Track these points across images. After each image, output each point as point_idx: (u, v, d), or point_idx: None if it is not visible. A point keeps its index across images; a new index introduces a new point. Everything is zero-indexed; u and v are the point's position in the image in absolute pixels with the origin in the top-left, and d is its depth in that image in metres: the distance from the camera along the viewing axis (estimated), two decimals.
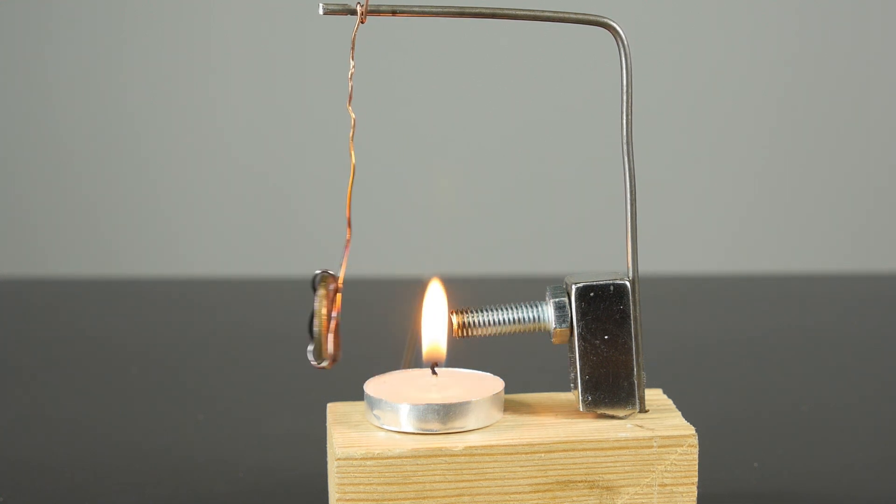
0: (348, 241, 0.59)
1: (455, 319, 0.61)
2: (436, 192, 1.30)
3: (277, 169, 1.30)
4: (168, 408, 0.81)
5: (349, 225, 0.59)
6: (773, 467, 0.70)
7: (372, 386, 0.61)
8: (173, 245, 1.31)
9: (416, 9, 0.59)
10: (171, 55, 1.29)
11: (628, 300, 0.60)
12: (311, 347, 0.58)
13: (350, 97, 0.58)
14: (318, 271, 0.58)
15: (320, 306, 0.58)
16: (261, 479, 0.69)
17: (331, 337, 0.58)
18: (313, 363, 0.58)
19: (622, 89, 0.60)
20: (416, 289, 0.65)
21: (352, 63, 0.58)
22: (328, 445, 0.61)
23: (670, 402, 0.63)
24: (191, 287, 1.15)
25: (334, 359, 0.58)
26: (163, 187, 1.31)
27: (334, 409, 0.62)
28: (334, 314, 0.58)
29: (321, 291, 0.58)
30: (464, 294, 1.00)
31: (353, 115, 0.58)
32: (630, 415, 0.61)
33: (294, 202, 1.31)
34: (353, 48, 0.58)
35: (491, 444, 0.58)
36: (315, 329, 0.58)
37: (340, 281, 0.58)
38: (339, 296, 0.58)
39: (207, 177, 1.30)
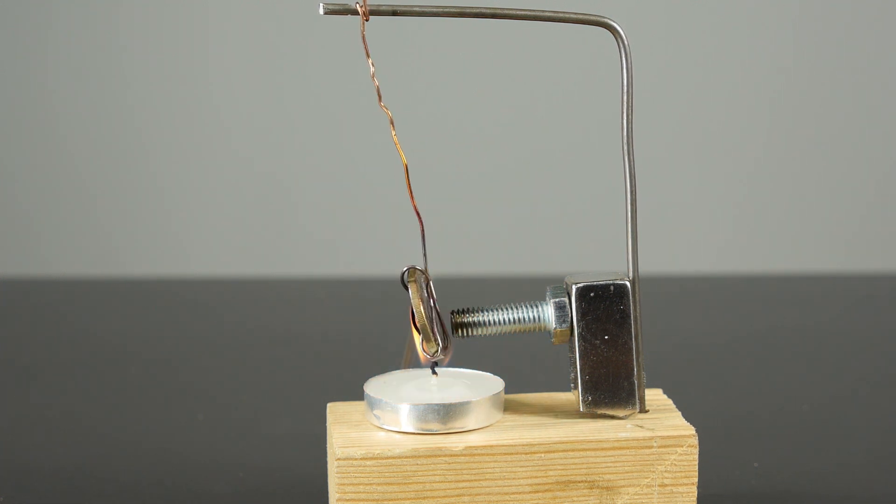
0: (422, 231, 0.59)
1: (454, 318, 0.61)
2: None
3: (278, 169, 1.30)
4: (168, 408, 0.81)
5: (419, 217, 0.59)
6: (773, 467, 0.70)
7: (372, 386, 0.61)
8: (173, 245, 1.31)
9: (417, 9, 0.59)
10: (171, 55, 1.29)
11: (628, 300, 0.60)
12: (420, 341, 0.59)
13: (379, 96, 0.58)
14: (404, 268, 0.59)
15: (417, 300, 0.58)
16: (261, 479, 0.69)
17: (437, 326, 0.59)
18: (427, 356, 0.59)
19: (622, 89, 0.60)
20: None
21: (370, 62, 0.58)
22: (328, 445, 0.61)
23: (670, 402, 0.63)
24: (191, 287, 1.15)
25: (445, 346, 0.59)
26: (163, 187, 1.31)
27: (334, 409, 0.62)
28: (433, 304, 0.59)
29: (413, 286, 0.58)
30: (464, 294, 1.00)
31: (388, 113, 0.58)
32: (630, 415, 0.61)
33: (295, 202, 1.31)
34: (365, 47, 0.58)
35: (491, 444, 0.58)
36: (419, 323, 0.58)
37: (427, 271, 0.59)
38: (431, 284, 0.59)
39: (208, 177, 1.30)
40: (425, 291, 0.59)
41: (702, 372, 0.88)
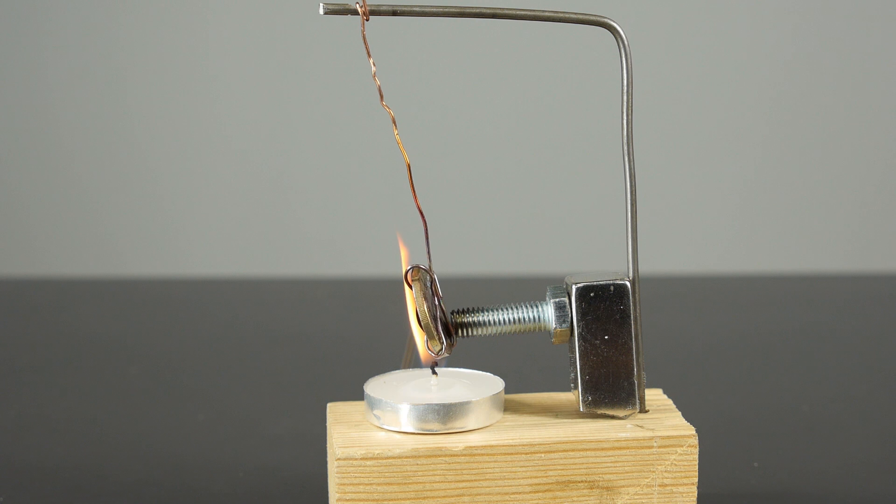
0: (426, 231, 0.59)
1: (454, 318, 0.61)
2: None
3: (278, 169, 1.31)
4: (168, 408, 0.81)
5: (423, 217, 0.59)
6: (773, 467, 0.70)
7: (372, 386, 0.61)
8: (173, 245, 1.31)
9: (417, 9, 0.59)
10: (171, 55, 1.29)
11: (628, 300, 0.60)
12: (424, 340, 0.59)
13: (381, 95, 0.58)
14: (408, 267, 0.59)
15: (422, 300, 0.58)
16: (261, 479, 0.69)
17: (440, 325, 0.59)
18: (432, 354, 0.59)
19: (622, 89, 0.60)
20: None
21: (371, 61, 0.58)
22: (328, 445, 0.61)
23: (670, 402, 0.63)
24: (191, 287, 1.15)
25: (451, 345, 0.59)
26: (163, 187, 1.31)
27: (334, 409, 0.62)
28: (437, 302, 0.59)
29: (417, 285, 0.58)
30: (464, 294, 1.00)
31: (390, 112, 0.58)
32: (630, 415, 0.61)
33: (294, 202, 1.31)
34: (366, 47, 0.58)
35: (491, 444, 0.58)
36: (423, 322, 0.58)
37: (432, 269, 0.59)
38: (437, 282, 0.59)
39: (208, 177, 1.30)
40: (430, 290, 0.59)
41: (702, 372, 0.88)
